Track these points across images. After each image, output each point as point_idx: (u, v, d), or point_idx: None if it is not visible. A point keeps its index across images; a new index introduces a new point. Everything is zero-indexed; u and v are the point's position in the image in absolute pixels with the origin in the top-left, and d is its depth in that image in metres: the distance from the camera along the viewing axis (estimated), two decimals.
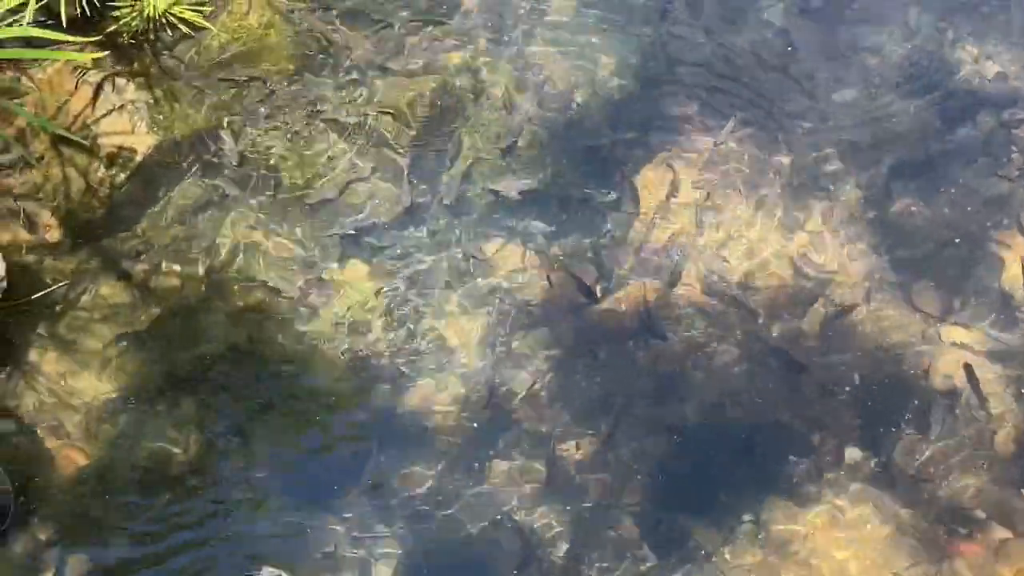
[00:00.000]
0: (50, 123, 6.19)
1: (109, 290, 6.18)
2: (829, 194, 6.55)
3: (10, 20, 5.98)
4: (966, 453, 5.80)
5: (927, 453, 5.79)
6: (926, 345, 6.08)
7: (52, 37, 5.64)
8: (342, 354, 6.06)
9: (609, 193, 6.54)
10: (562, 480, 5.76)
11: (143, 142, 6.33)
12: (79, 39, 6.08)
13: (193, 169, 6.49)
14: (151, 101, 6.43)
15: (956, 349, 6.07)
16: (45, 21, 6.36)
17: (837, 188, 6.57)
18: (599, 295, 6.25)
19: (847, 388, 5.98)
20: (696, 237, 6.41)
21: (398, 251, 6.37)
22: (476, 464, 5.81)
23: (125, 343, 6.06)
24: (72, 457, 5.76)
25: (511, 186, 6.54)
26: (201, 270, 6.27)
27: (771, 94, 6.87)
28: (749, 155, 6.67)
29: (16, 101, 6.23)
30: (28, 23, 6.15)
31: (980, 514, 5.69)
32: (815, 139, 6.73)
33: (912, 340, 6.10)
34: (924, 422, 5.87)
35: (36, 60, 6.30)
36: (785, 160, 6.66)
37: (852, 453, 5.81)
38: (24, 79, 6.37)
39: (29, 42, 5.93)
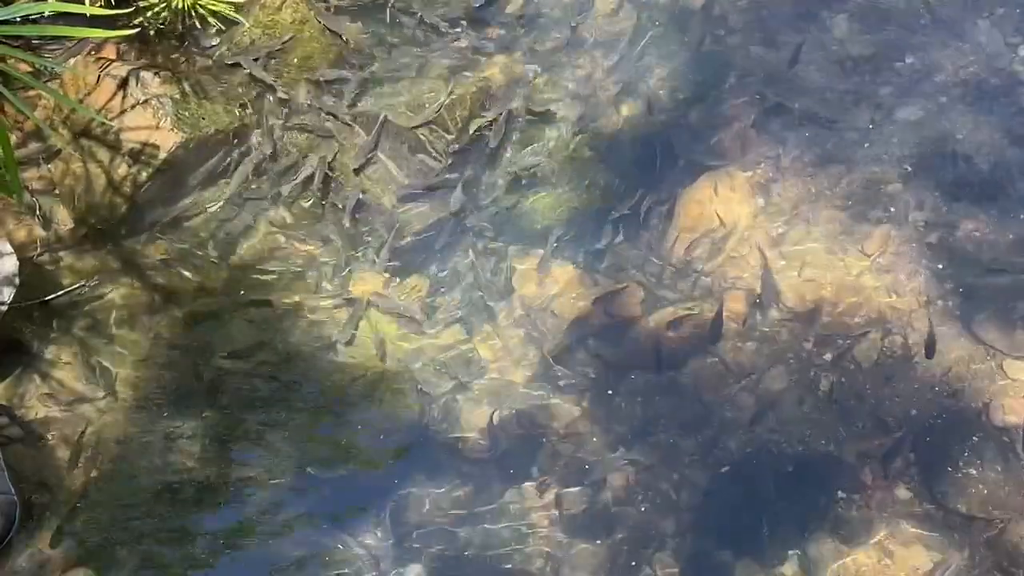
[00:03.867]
0: (82, 106, 6.07)
1: (128, 292, 6.10)
2: (889, 216, 6.32)
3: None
4: None
5: (985, 493, 5.55)
6: (987, 379, 5.83)
7: (79, 10, 5.49)
8: (371, 367, 5.94)
9: (656, 209, 6.38)
10: (599, 510, 5.59)
11: (168, 139, 6.19)
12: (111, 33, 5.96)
13: (220, 168, 6.38)
14: (177, 96, 6.29)
15: (1020, 385, 5.81)
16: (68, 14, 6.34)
17: (898, 210, 6.34)
18: (643, 316, 6.07)
19: (902, 421, 5.74)
20: (746, 257, 6.22)
21: (432, 261, 6.26)
22: (507, 490, 5.66)
23: (143, 349, 5.96)
24: (82, 466, 5.66)
25: (553, 199, 6.43)
26: (225, 274, 6.19)
27: (831, 110, 6.67)
28: (805, 173, 6.48)
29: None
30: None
31: None
32: (876, 158, 6.50)
33: (973, 373, 5.86)
34: (982, 460, 5.63)
35: (65, 38, 6.22)
36: (843, 180, 6.45)
37: (904, 490, 5.59)
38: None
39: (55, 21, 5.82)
